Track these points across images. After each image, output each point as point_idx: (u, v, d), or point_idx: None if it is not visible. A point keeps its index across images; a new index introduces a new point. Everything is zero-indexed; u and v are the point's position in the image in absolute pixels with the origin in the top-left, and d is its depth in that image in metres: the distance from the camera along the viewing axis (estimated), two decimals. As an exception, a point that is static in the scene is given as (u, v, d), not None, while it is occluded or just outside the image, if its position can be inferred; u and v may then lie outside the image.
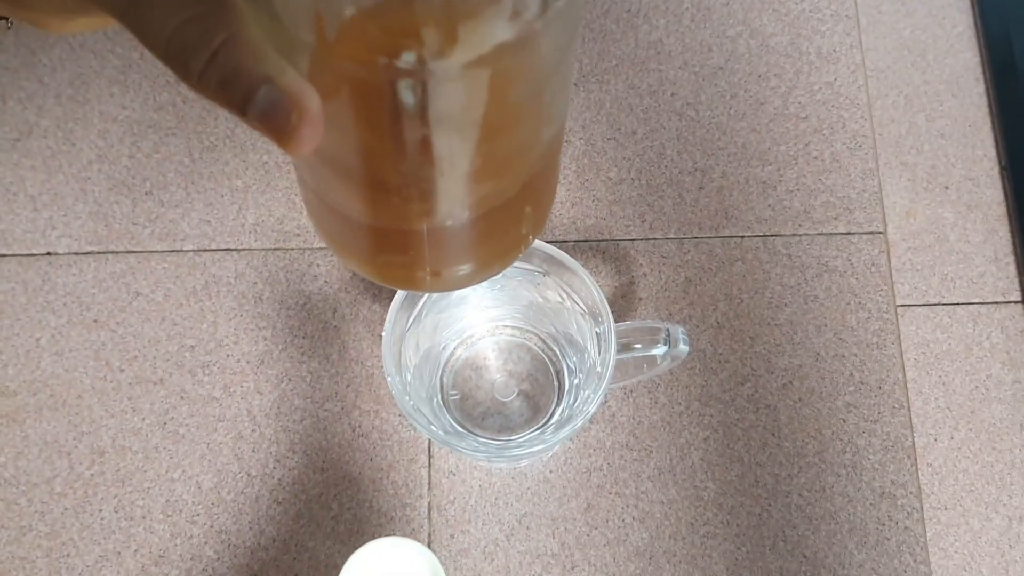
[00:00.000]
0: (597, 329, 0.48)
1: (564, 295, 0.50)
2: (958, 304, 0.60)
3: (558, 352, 0.54)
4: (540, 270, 0.50)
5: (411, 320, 0.50)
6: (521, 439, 0.52)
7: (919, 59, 0.65)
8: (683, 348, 0.48)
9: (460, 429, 0.51)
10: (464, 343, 0.55)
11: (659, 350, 0.48)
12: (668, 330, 0.48)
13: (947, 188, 0.62)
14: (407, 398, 0.46)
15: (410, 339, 0.50)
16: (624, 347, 0.47)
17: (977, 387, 0.58)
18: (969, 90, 0.65)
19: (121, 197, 0.59)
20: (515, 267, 0.50)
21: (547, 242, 0.48)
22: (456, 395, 0.54)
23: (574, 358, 0.53)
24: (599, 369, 0.48)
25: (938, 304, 0.60)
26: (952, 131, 0.64)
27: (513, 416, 0.54)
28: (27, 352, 0.56)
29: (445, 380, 0.54)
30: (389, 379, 0.46)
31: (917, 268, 0.60)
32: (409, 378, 0.49)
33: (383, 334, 0.47)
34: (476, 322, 0.55)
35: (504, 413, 0.54)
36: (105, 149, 0.60)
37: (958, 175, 0.63)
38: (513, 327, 0.56)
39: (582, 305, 0.49)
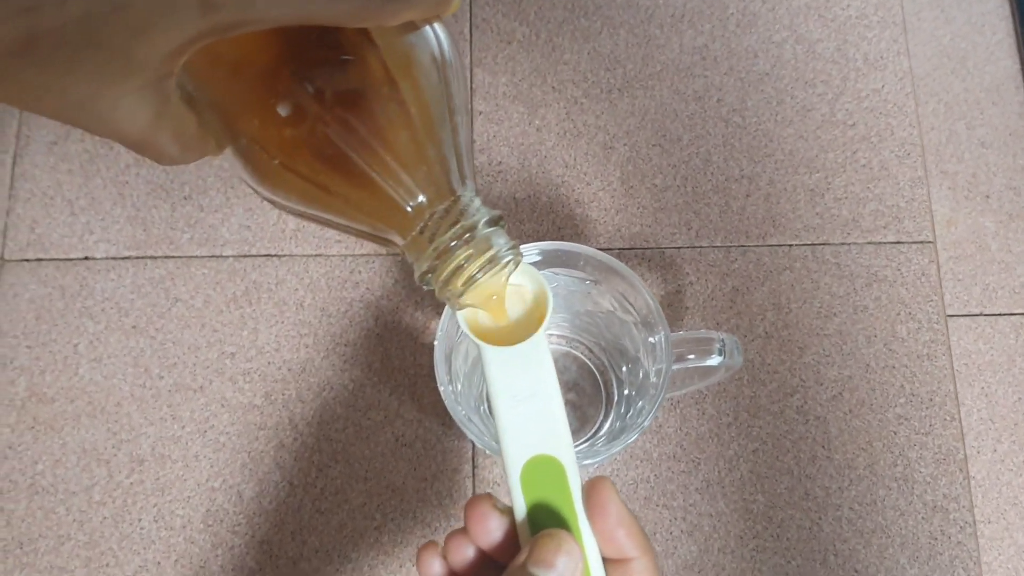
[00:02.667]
0: (651, 339, 0.47)
1: (616, 304, 0.49)
2: (1000, 315, 0.59)
3: (607, 362, 0.53)
4: (592, 278, 0.49)
5: (461, 329, 0.49)
6: (576, 448, 0.51)
7: (959, 66, 0.64)
8: (738, 359, 0.47)
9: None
10: (510, 352, 0.54)
11: (713, 361, 0.47)
12: (723, 340, 0.47)
13: (988, 197, 0.62)
14: (460, 408, 0.45)
15: (460, 347, 0.49)
16: (677, 357, 0.46)
17: (1020, 399, 0.57)
18: (1009, 98, 0.64)
19: (159, 201, 0.58)
20: (566, 275, 0.49)
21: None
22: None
23: (624, 368, 0.52)
24: (654, 380, 0.47)
25: (979, 315, 0.59)
26: (992, 140, 0.63)
27: (560, 426, 0.53)
28: (65, 358, 0.55)
29: (491, 390, 0.53)
30: (442, 388, 0.45)
31: (959, 278, 0.59)
32: (460, 387, 0.48)
33: (435, 342, 0.46)
34: (523, 330, 0.54)
35: (551, 423, 0.53)
36: (144, 153, 0.59)
37: (999, 184, 0.62)
38: (560, 336, 0.55)
39: (635, 314, 0.48)
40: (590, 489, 0.33)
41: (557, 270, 0.49)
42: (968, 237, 0.60)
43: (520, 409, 0.33)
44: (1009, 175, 0.62)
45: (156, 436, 0.54)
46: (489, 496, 0.34)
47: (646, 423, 0.45)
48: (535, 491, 0.33)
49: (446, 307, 0.46)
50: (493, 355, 0.34)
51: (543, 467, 0.33)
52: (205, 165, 0.59)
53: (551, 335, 0.55)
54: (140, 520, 0.53)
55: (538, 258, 0.48)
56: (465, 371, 0.50)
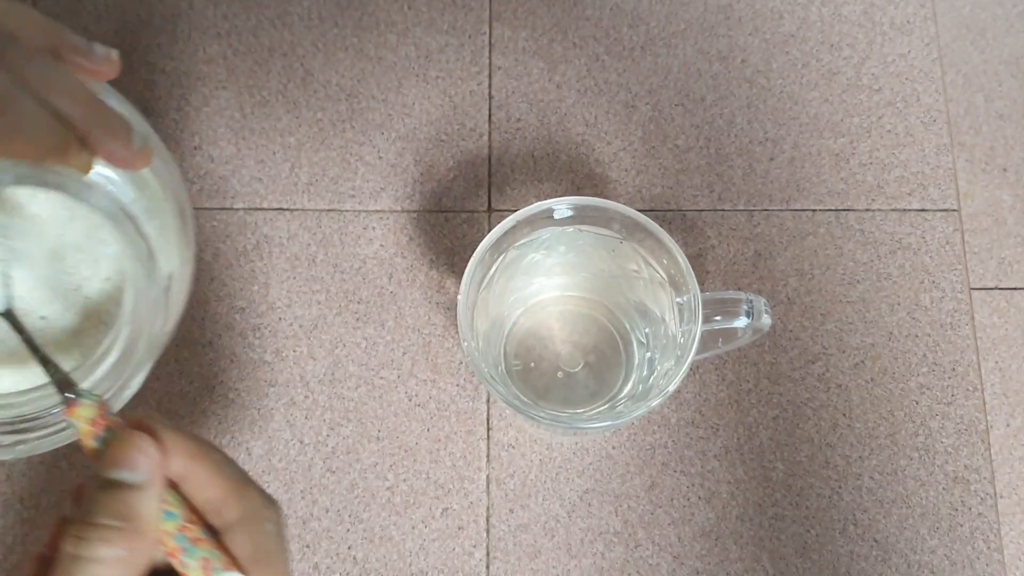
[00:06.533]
0: (679, 299, 0.46)
1: (642, 263, 0.48)
2: (1016, 289, 0.58)
3: (627, 324, 0.52)
4: (619, 236, 0.48)
5: (483, 286, 0.48)
6: (596, 410, 0.50)
7: (978, 38, 0.63)
8: (766, 320, 0.46)
9: (524, 399, 0.49)
10: (528, 312, 0.53)
11: (741, 322, 0.46)
12: (751, 301, 0.46)
13: (1005, 170, 0.61)
14: (483, 365, 0.44)
15: (481, 305, 0.48)
16: (704, 318, 0.45)
17: (1034, 374, 0.57)
18: (1029, 70, 0.63)
19: (169, 151, 0.56)
20: (593, 232, 0.48)
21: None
22: (519, 365, 0.52)
23: (646, 330, 0.51)
24: (680, 341, 0.46)
25: (995, 288, 0.58)
26: (1011, 112, 0.62)
27: (579, 388, 0.52)
28: (69, 310, 0.54)
29: (508, 349, 0.52)
30: (465, 344, 0.44)
31: (975, 251, 0.58)
32: (480, 344, 0.47)
33: (459, 297, 0.45)
34: (542, 290, 0.53)
35: (569, 385, 0.52)
36: (152, 101, 0.57)
37: (1017, 158, 0.61)
38: (579, 296, 0.53)
39: (662, 274, 0.47)
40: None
41: (583, 227, 0.48)
42: (985, 210, 0.59)
43: None
44: (1027, 148, 0.61)
45: (163, 391, 0.53)
46: None
47: (672, 387, 0.44)
48: None
49: (471, 261, 0.45)
50: None
51: None
52: (216, 115, 0.57)
53: (571, 295, 0.54)
54: (145, 476, 0.51)
55: (569, 213, 0.47)
56: (485, 329, 0.49)
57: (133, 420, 0.33)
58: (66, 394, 0.34)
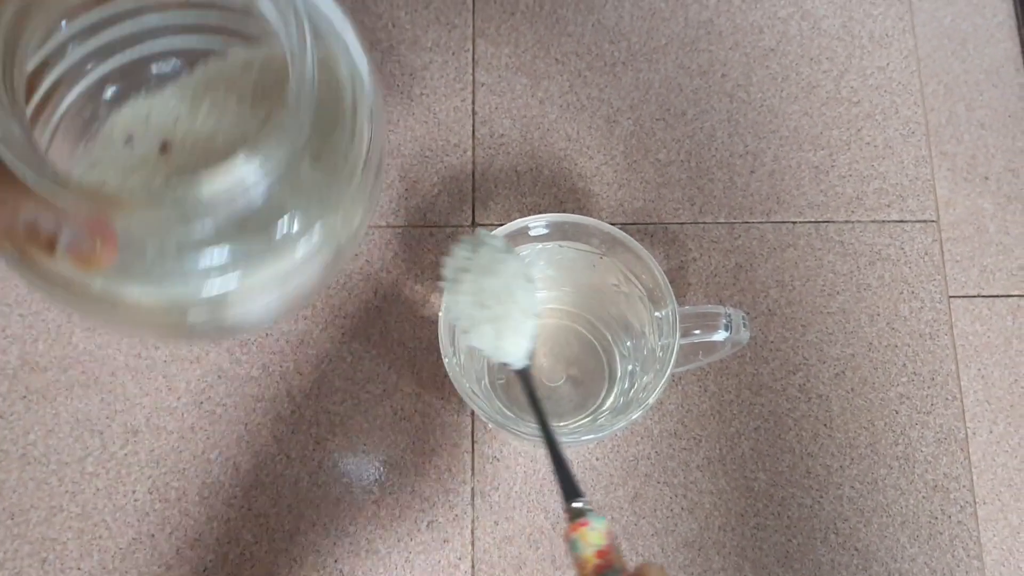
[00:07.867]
0: (658, 314, 0.47)
1: (622, 278, 0.49)
2: (997, 296, 0.59)
3: (609, 337, 0.53)
4: (598, 252, 0.48)
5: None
6: (578, 423, 0.51)
7: (959, 48, 0.64)
8: (744, 334, 0.47)
9: (508, 414, 0.49)
10: (511, 326, 0.53)
11: (720, 336, 0.47)
12: (730, 315, 0.47)
13: (987, 179, 0.61)
14: (464, 381, 0.45)
15: (463, 320, 0.48)
16: (683, 332, 0.46)
17: (1017, 380, 0.57)
18: (1009, 80, 0.64)
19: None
20: (573, 248, 0.49)
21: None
22: (502, 379, 0.53)
23: (628, 343, 0.51)
24: (660, 355, 0.46)
25: (977, 296, 0.59)
26: (992, 121, 0.63)
27: (562, 402, 0.52)
28: (58, 327, 0.54)
29: (492, 363, 0.53)
30: (446, 360, 0.45)
31: (956, 259, 0.59)
32: (462, 360, 0.47)
33: (440, 314, 0.45)
34: (525, 304, 0.53)
35: (552, 398, 0.53)
36: (139, 119, 0.58)
37: (998, 166, 0.62)
38: (561, 310, 0.54)
39: (642, 289, 0.48)
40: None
41: (563, 243, 0.49)
42: (966, 218, 0.60)
43: None
44: (1008, 157, 0.62)
45: (151, 407, 0.53)
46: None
47: (651, 400, 0.45)
48: None
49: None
50: None
51: None
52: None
53: (553, 309, 0.54)
54: (134, 492, 0.52)
55: (545, 230, 0.47)
56: (467, 344, 0.49)
57: (643, 568, 0.30)
58: (572, 504, 0.31)
